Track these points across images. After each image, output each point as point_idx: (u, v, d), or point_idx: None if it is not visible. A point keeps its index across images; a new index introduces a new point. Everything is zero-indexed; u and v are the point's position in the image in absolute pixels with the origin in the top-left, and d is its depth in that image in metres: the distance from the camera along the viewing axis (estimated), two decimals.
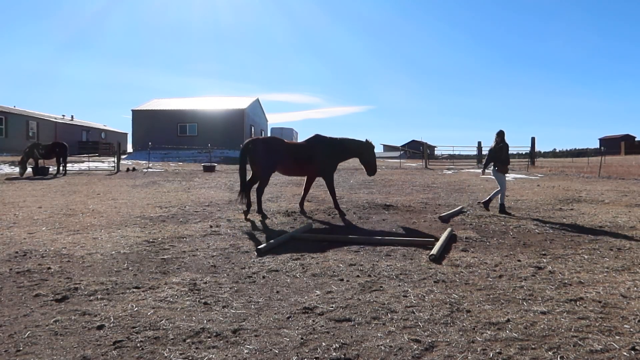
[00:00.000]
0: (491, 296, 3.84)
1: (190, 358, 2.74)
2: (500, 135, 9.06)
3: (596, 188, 13.91)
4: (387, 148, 68.03)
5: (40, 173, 18.62)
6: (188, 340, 2.97)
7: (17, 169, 18.51)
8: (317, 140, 8.79)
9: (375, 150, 9.36)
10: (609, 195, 11.91)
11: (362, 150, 8.92)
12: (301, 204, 8.99)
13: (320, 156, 8.60)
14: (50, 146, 19.81)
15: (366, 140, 8.97)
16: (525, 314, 3.43)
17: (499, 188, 8.99)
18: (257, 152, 8.28)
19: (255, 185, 8.45)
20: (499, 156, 8.96)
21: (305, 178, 9.19)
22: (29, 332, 3.09)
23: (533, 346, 2.88)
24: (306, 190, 9.10)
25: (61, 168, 19.31)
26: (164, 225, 7.35)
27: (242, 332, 3.12)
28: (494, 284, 4.20)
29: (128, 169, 22.71)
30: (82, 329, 3.16)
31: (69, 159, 20.71)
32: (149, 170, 23.26)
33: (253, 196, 8.39)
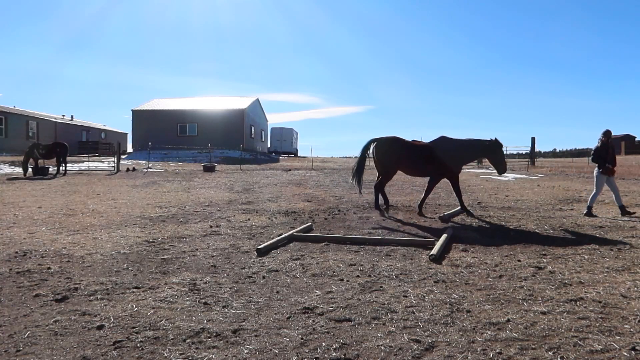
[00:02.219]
0: (491, 296, 3.83)
1: (190, 358, 2.74)
2: (607, 135, 8.66)
3: None
4: None
5: (40, 173, 18.63)
6: (188, 340, 2.97)
7: (17, 169, 18.54)
8: (443, 141, 8.67)
9: None
10: (609, 195, 11.89)
11: (491, 150, 8.63)
12: (420, 205, 8.68)
13: (446, 157, 8.49)
14: (50, 146, 19.84)
15: (495, 139, 8.62)
16: (525, 314, 3.43)
17: (614, 191, 8.69)
18: (380, 151, 8.54)
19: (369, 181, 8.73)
20: (604, 157, 8.60)
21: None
22: (29, 332, 3.09)
23: (533, 346, 2.88)
24: (428, 191, 8.85)
25: (61, 168, 19.33)
26: (164, 225, 7.35)
27: (242, 332, 3.12)
28: (494, 284, 4.20)
29: (128, 169, 22.72)
30: (82, 329, 3.16)
31: (69, 159, 20.72)
32: (149, 170, 23.26)
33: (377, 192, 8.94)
